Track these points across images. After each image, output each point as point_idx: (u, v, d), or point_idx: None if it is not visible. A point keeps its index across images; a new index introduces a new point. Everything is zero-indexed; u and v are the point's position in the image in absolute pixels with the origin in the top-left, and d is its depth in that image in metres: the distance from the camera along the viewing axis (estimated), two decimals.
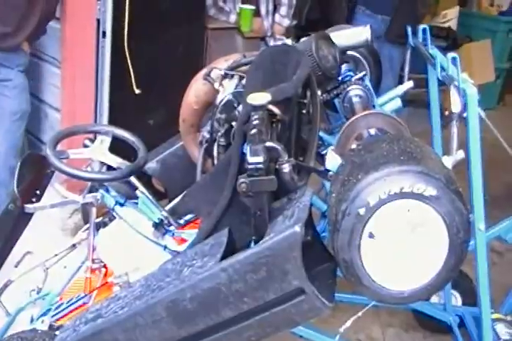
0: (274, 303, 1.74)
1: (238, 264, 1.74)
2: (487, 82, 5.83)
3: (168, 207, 2.44)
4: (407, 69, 2.77)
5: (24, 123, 3.16)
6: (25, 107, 3.23)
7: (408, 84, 2.63)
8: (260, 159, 1.76)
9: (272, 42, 4.25)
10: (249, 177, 1.77)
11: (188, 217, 2.38)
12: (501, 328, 2.60)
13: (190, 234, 2.28)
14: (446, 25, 5.90)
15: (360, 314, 2.27)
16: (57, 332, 2.16)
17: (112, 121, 3.35)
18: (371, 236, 1.67)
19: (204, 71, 2.44)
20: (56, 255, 2.56)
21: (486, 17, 6.31)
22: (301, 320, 1.80)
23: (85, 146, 2.39)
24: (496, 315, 2.57)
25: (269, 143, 1.81)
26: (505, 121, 4.54)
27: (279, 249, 1.69)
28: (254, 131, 1.82)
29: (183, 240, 2.31)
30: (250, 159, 1.77)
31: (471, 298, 2.96)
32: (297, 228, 1.67)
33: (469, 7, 6.42)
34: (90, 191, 2.41)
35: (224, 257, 1.81)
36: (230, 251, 1.84)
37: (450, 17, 5.99)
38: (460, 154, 2.07)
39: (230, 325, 1.80)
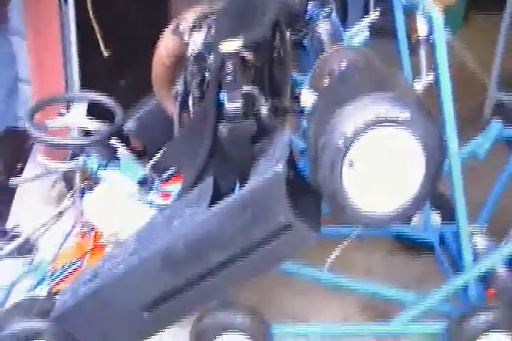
0: (264, 241, 1.86)
1: (225, 209, 1.86)
2: (451, 3, 5.82)
3: (149, 165, 2.49)
4: None
5: None
6: None
7: (373, 15, 2.70)
8: (238, 104, 1.88)
9: None
10: (229, 123, 1.88)
11: (170, 171, 2.44)
12: (479, 240, 2.71)
13: (174, 188, 2.35)
14: None
15: (344, 244, 2.35)
16: (56, 297, 2.28)
17: (84, 86, 3.37)
18: (351, 165, 1.78)
19: (172, 25, 2.47)
20: (44, 225, 2.61)
21: None
22: (291, 253, 1.94)
23: (61, 115, 2.47)
24: (472, 229, 2.66)
25: (245, 88, 1.91)
26: (472, 40, 4.58)
27: (264, 189, 1.81)
28: (229, 77, 1.92)
29: (168, 195, 2.38)
30: (228, 105, 1.88)
31: (449, 217, 2.90)
32: (279, 167, 1.79)
33: None
34: (72, 157, 2.49)
35: (211, 204, 1.92)
36: (216, 198, 1.95)
37: None
38: (429, 77, 2.16)
39: (223, 268, 1.92)
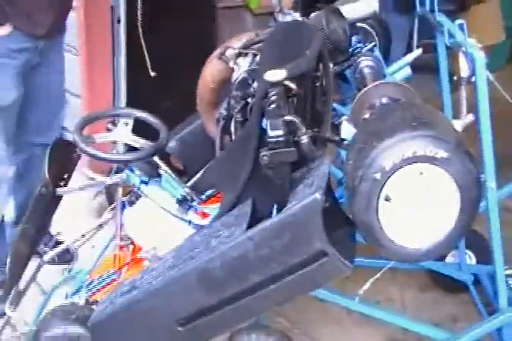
0: (298, 266, 1.86)
1: (263, 232, 1.87)
2: (497, 43, 5.85)
3: (189, 184, 2.54)
4: (415, 36, 2.83)
5: None
6: None
7: (416, 52, 2.70)
8: (280, 132, 1.89)
9: (280, 17, 4.26)
10: (271, 150, 1.89)
11: (209, 192, 2.48)
12: None
13: (213, 208, 2.39)
14: None
15: (378, 275, 2.36)
16: (94, 306, 2.31)
17: (130, 104, 3.43)
18: (387, 199, 1.78)
19: (218, 50, 2.51)
20: (84, 235, 2.66)
21: None
22: (324, 280, 1.93)
23: (109, 130, 2.51)
24: (508, 271, 2.62)
25: (287, 117, 1.92)
26: None
27: (301, 216, 1.82)
28: (273, 106, 1.94)
29: (206, 214, 2.41)
30: (271, 133, 1.89)
31: (484, 256, 3.00)
32: (317, 195, 1.80)
33: None
34: (116, 172, 2.53)
35: (249, 226, 1.94)
36: (254, 221, 1.97)
37: None
38: (469, 117, 2.17)
39: (257, 290, 1.92)
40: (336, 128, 2.22)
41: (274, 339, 2.38)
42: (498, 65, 5.92)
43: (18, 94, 2.88)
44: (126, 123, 2.48)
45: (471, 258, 3.13)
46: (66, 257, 2.66)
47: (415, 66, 2.68)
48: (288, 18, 4.13)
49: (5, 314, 2.64)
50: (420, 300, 3.19)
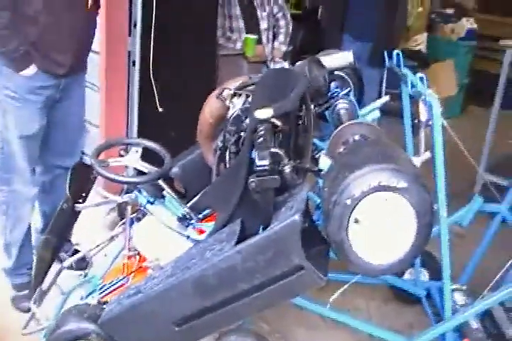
0: (279, 278, 1.86)
1: (250, 247, 1.87)
2: (451, 95, 5.98)
3: (189, 204, 2.52)
4: (384, 85, 2.85)
5: None
6: None
7: (384, 99, 2.72)
8: (266, 162, 1.88)
9: (272, 65, 4.30)
10: (258, 177, 1.89)
11: (206, 211, 2.46)
12: (458, 296, 2.72)
13: (208, 225, 2.36)
14: (416, 48, 6.05)
15: (346, 287, 2.36)
16: (104, 306, 2.29)
17: (140, 134, 3.45)
18: (356, 221, 1.78)
19: (217, 91, 2.50)
20: (98, 245, 2.63)
21: (449, 41, 6.50)
22: (301, 290, 1.93)
23: (121, 155, 2.51)
24: (454, 286, 2.66)
25: (273, 149, 1.93)
26: (467, 127, 4.64)
27: (282, 234, 1.82)
28: (260, 139, 1.95)
29: (203, 231, 2.38)
30: (258, 162, 1.89)
31: (436, 274, 3.02)
32: (296, 217, 1.80)
33: (435, 33, 6.59)
34: (126, 192, 2.52)
35: (238, 242, 1.94)
36: (242, 238, 1.96)
37: (420, 41, 6.15)
38: (427, 154, 2.19)
39: (244, 297, 1.91)
40: (316, 160, 2.23)
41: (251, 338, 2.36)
42: (453, 114, 6.11)
43: (41, 125, 2.88)
44: (136, 151, 2.49)
45: (425, 276, 3.14)
46: (82, 265, 2.64)
47: (384, 111, 2.70)
48: (278, 66, 4.19)
49: (30, 310, 2.64)
50: (383, 310, 3.18)
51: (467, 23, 6.41)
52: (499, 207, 2.87)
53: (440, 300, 2.73)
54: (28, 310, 2.74)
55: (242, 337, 2.35)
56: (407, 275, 3.14)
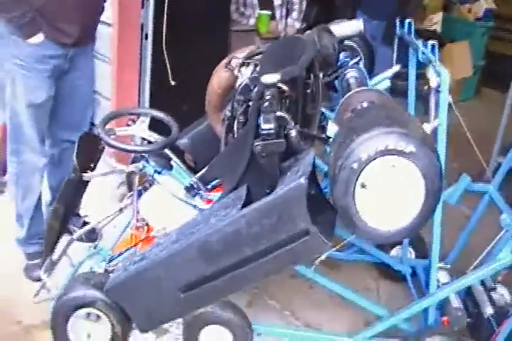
0: (285, 242, 1.84)
1: (255, 211, 1.85)
2: (466, 77, 5.90)
3: (197, 175, 2.48)
4: (394, 56, 2.80)
5: None
6: None
7: (396, 68, 2.67)
8: (271, 126, 1.85)
9: None
10: (263, 141, 1.86)
11: (214, 182, 2.45)
12: (442, 275, 2.70)
13: (216, 196, 2.34)
14: (432, 28, 5.94)
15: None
16: (110, 274, 2.29)
17: (152, 106, 3.41)
18: (363, 186, 1.75)
19: (225, 60, 2.48)
20: (107, 217, 2.63)
21: (465, 22, 6.34)
22: (307, 255, 1.90)
23: (128, 126, 2.49)
24: (439, 265, 2.62)
25: (278, 113, 1.90)
26: (481, 110, 4.57)
27: (287, 198, 1.79)
28: (266, 103, 1.91)
29: (210, 201, 2.38)
30: (263, 126, 1.86)
31: (422, 253, 3.04)
32: (302, 180, 1.77)
33: (451, 13, 6.45)
34: (133, 162, 2.50)
35: (243, 207, 1.90)
36: (248, 203, 1.93)
37: (435, 21, 6.03)
38: (437, 121, 2.14)
39: (249, 262, 1.89)
40: (324, 129, 2.20)
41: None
42: (467, 96, 6.03)
43: (48, 94, 2.87)
44: (143, 121, 2.48)
45: (411, 254, 3.12)
46: (92, 236, 2.64)
47: (391, 90, 2.64)
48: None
49: (41, 279, 2.67)
50: (394, 289, 3.15)
51: (485, 3, 6.24)
52: (487, 187, 2.82)
53: (425, 278, 2.74)
54: (39, 278, 2.76)
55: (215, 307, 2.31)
56: (393, 253, 3.12)
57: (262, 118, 1.89)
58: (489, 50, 6.42)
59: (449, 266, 2.79)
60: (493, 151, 4.30)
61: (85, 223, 3.00)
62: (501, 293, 2.60)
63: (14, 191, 3.03)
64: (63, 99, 2.97)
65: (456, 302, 2.52)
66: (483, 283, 2.63)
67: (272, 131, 1.85)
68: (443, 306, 2.52)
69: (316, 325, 2.83)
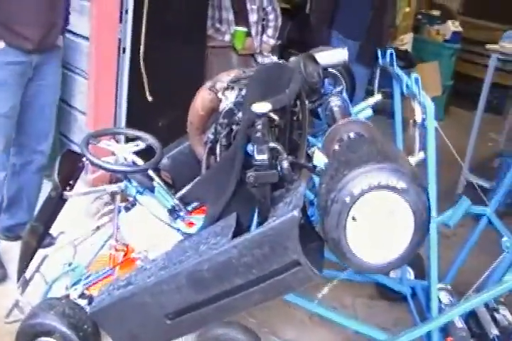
0: (275, 273, 1.86)
1: (247, 242, 1.87)
2: (435, 96, 6.02)
3: (177, 196, 2.49)
4: (376, 84, 2.86)
5: None
6: None
7: (377, 97, 2.71)
8: (265, 157, 1.88)
9: (260, 58, 4.30)
10: (256, 172, 1.88)
11: (194, 204, 2.46)
12: (443, 295, 2.75)
13: (197, 218, 2.37)
14: (403, 47, 6.07)
15: (334, 283, 2.35)
16: (77, 300, 2.34)
17: (128, 122, 3.43)
18: (354, 219, 1.78)
19: (209, 83, 2.49)
20: (83, 235, 2.61)
21: (434, 43, 6.52)
22: (297, 286, 1.92)
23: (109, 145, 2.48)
24: (439, 285, 2.67)
25: (271, 144, 1.93)
26: (451, 129, 4.63)
27: (280, 229, 1.82)
28: (258, 133, 1.94)
29: (191, 223, 2.38)
30: (257, 157, 1.89)
31: (421, 273, 3.08)
32: (295, 213, 1.80)
33: (421, 34, 6.63)
34: (116, 182, 2.50)
35: (234, 236, 1.93)
36: (238, 232, 1.96)
37: (405, 41, 6.17)
38: (421, 155, 2.20)
39: (239, 291, 1.91)
40: (309, 156, 2.23)
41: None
42: (437, 117, 6.03)
43: (14, 102, 2.87)
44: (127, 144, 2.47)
45: (410, 274, 3.15)
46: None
47: (374, 109, 2.69)
48: (266, 60, 4.19)
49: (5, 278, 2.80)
50: (369, 307, 3.19)
51: (452, 26, 6.43)
52: (485, 210, 2.91)
53: (425, 298, 2.77)
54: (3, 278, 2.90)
55: (229, 329, 2.35)
56: (392, 274, 3.15)
57: (255, 148, 1.92)
58: (457, 71, 6.59)
59: (449, 287, 2.83)
60: (463, 169, 4.41)
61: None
62: (504, 314, 2.62)
63: None
64: (29, 107, 2.97)
65: (460, 323, 2.54)
66: (485, 303, 2.64)
67: (266, 162, 1.88)
68: (446, 326, 2.54)
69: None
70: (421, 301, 2.89)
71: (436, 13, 6.77)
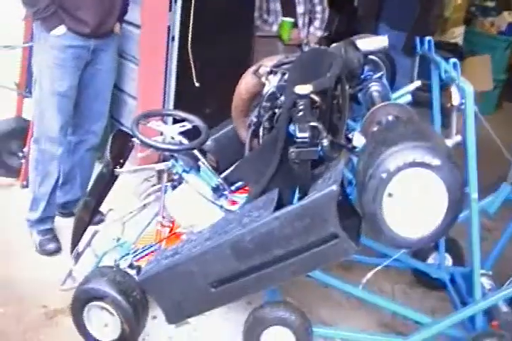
0: (314, 245, 1.96)
1: (288, 214, 1.96)
2: (486, 91, 5.84)
3: (222, 176, 2.60)
4: (415, 72, 2.88)
5: None
6: None
7: (417, 83, 2.74)
8: (306, 134, 1.98)
9: (306, 49, 4.34)
10: (298, 149, 1.98)
11: (238, 184, 2.55)
12: (485, 281, 2.76)
13: (240, 197, 2.47)
14: (453, 40, 5.93)
15: (377, 268, 2.37)
16: (128, 270, 2.44)
17: (176, 107, 3.53)
18: (390, 195, 1.86)
19: (253, 67, 2.57)
20: (131, 212, 2.73)
21: (488, 35, 6.30)
22: (334, 258, 2.01)
23: (159, 126, 2.59)
24: (481, 271, 2.63)
25: (312, 123, 2.02)
26: (502, 124, 4.62)
27: (320, 203, 1.91)
28: (301, 113, 2.03)
29: (235, 202, 2.48)
30: (299, 134, 1.98)
31: (459, 260, 3.11)
32: (334, 187, 1.90)
33: (473, 26, 6.41)
34: (163, 161, 2.60)
35: (275, 210, 2.02)
36: (279, 207, 2.05)
37: (457, 34, 6.00)
38: (458, 137, 2.25)
39: (279, 262, 2.01)
40: (348, 139, 2.29)
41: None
42: (488, 110, 5.82)
43: (72, 83, 3.01)
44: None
45: (448, 261, 3.13)
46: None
47: (414, 101, 2.69)
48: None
49: (54, 252, 3.08)
50: (407, 294, 3.18)
51: (509, 17, 6.21)
52: None
53: (466, 284, 2.78)
54: (53, 252, 3.10)
55: (276, 308, 2.40)
56: (430, 260, 3.15)
57: (297, 127, 2.01)
58: (511, 64, 6.37)
59: (490, 273, 2.83)
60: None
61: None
62: None
63: (33, 176, 3.17)
64: (85, 90, 3.10)
65: (504, 307, 2.57)
66: None
67: (307, 140, 1.97)
68: (490, 311, 2.56)
69: (332, 322, 2.88)
70: (460, 288, 2.88)
71: (491, 4, 6.49)
